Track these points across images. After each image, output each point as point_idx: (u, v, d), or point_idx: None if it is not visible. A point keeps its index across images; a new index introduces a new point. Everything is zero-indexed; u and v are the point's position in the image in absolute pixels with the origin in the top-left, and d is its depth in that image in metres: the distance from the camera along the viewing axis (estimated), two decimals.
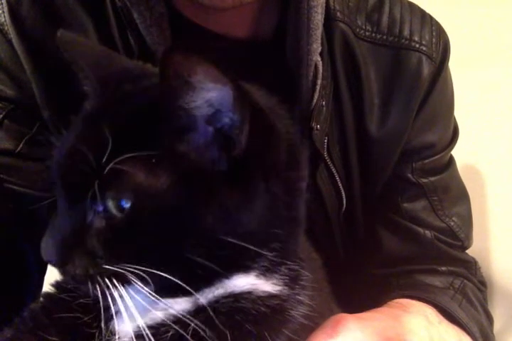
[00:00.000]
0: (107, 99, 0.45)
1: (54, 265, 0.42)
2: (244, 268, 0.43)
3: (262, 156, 0.42)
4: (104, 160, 0.38)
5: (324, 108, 0.68)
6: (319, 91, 0.67)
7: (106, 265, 0.40)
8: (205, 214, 0.40)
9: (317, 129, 0.68)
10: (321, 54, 0.67)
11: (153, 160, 0.39)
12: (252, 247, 0.41)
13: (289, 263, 0.46)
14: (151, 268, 0.39)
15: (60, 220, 0.42)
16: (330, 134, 0.70)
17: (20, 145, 0.64)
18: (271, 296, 0.44)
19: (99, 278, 0.40)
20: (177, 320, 0.42)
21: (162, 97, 0.40)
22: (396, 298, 0.65)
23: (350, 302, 0.60)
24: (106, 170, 0.38)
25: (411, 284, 0.73)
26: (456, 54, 0.78)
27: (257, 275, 0.44)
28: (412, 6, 0.75)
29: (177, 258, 0.40)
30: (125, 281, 0.40)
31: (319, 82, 0.67)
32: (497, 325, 0.80)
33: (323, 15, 0.66)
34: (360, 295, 0.73)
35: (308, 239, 0.55)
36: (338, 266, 0.74)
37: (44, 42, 0.63)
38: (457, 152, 0.81)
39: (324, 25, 0.66)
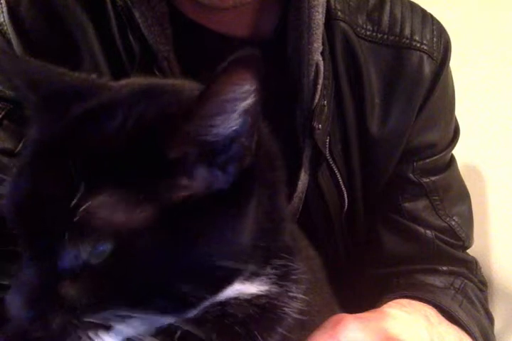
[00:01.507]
0: (62, 124, 0.38)
1: (26, 324, 0.36)
2: (230, 284, 0.40)
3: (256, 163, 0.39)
4: (73, 203, 0.33)
5: (326, 107, 0.68)
6: (320, 91, 0.67)
7: (86, 316, 0.36)
8: (199, 242, 0.36)
9: (319, 129, 0.68)
10: (322, 53, 0.67)
11: (141, 197, 0.34)
12: (242, 266, 0.39)
13: (274, 261, 0.43)
14: (138, 309, 0.36)
15: (26, 273, 0.36)
16: (331, 134, 0.70)
17: (20, 146, 0.64)
18: (258, 296, 0.42)
19: (80, 331, 0.36)
20: (161, 331, 0.39)
21: (173, 121, 0.35)
22: (396, 298, 0.64)
23: (350, 302, 0.60)
24: (77, 216, 0.33)
25: (411, 284, 0.73)
26: (457, 54, 0.77)
27: (241, 281, 0.41)
28: (413, 5, 0.75)
29: (166, 293, 0.37)
30: (109, 328, 0.37)
31: (320, 81, 0.66)
32: (497, 325, 0.79)
33: (324, 15, 0.66)
34: (361, 295, 0.73)
35: (308, 238, 0.55)
36: (339, 266, 0.74)
37: (43, 42, 0.63)
38: (458, 152, 0.81)
39: (325, 24, 0.66)
